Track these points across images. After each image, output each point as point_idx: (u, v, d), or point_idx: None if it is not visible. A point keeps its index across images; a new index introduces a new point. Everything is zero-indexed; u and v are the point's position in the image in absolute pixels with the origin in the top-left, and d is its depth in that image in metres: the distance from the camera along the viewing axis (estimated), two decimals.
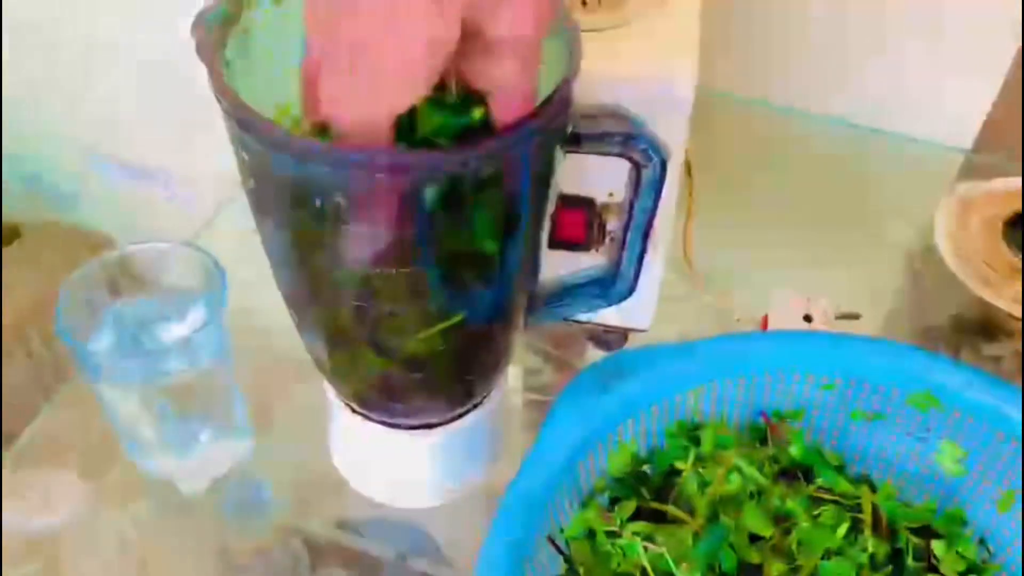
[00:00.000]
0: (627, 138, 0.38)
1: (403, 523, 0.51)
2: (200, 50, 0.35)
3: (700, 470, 0.45)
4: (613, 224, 0.53)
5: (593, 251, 0.53)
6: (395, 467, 0.49)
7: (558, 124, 0.35)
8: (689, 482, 0.44)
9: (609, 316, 0.56)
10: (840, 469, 0.47)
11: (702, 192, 0.65)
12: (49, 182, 1.19)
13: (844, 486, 0.46)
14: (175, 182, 1.13)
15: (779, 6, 0.73)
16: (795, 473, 0.47)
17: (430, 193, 0.32)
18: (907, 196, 0.72)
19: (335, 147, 0.31)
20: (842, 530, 0.43)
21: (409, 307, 0.37)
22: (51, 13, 0.99)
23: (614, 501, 0.45)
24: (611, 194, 0.51)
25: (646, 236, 0.42)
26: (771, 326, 0.60)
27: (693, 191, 0.66)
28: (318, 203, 0.33)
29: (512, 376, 0.58)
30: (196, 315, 0.47)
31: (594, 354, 0.61)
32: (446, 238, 0.35)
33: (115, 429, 0.50)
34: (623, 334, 0.58)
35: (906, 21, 0.71)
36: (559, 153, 0.37)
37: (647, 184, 0.39)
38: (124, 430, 0.49)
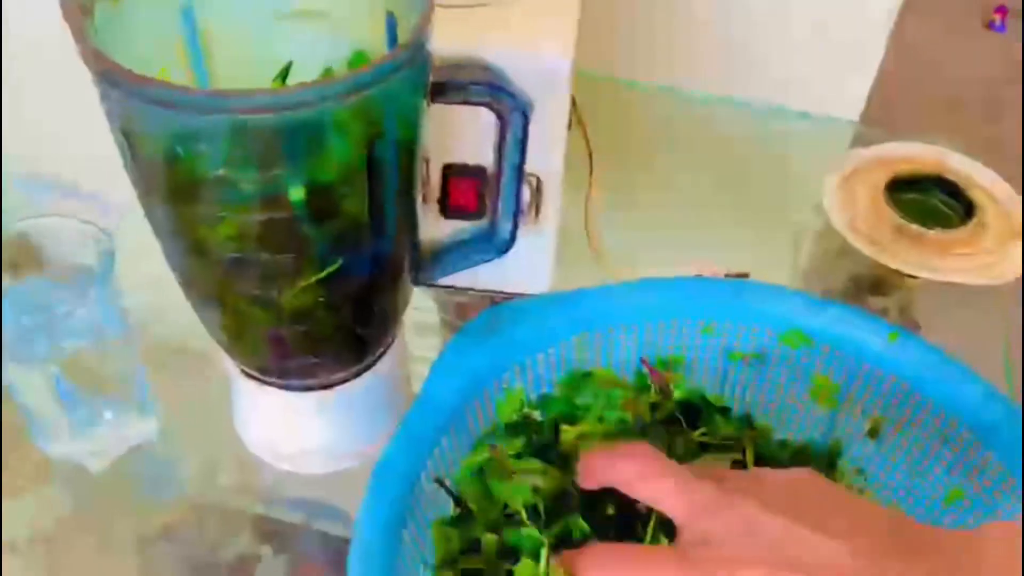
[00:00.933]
0: (492, 88, 0.40)
1: (309, 490, 0.52)
2: (66, 17, 0.36)
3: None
4: None
5: (486, 219, 0.55)
6: (295, 432, 0.50)
7: (417, 67, 0.37)
8: (568, 432, 0.46)
9: (508, 283, 0.58)
10: (724, 412, 0.50)
11: (605, 173, 0.68)
12: None
13: (727, 428, 0.49)
14: (100, 202, 1.13)
15: None
16: (678, 419, 0.49)
17: (294, 132, 0.34)
18: (800, 169, 0.75)
19: (197, 90, 0.33)
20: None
21: (286, 255, 0.39)
22: None
23: None
24: None
25: (517, 186, 0.44)
26: None
27: (593, 169, 0.68)
28: (183, 150, 0.34)
29: (420, 345, 0.60)
30: (91, 290, 0.48)
31: None
32: (312, 180, 0.36)
33: (21, 412, 0.50)
34: None
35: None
36: (423, 102, 0.39)
37: (512, 134, 0.41)
38: (30, 411, 0.50)
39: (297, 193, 0.36)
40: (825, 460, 0.48)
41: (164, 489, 0.53)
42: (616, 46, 0.77)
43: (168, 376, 0.55)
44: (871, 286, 0.68)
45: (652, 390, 0.49)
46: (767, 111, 0.78)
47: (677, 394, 0.49)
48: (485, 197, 0.55)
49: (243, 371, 0.48)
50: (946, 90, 0.83)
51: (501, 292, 0.58)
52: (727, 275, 0.60)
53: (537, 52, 0.49)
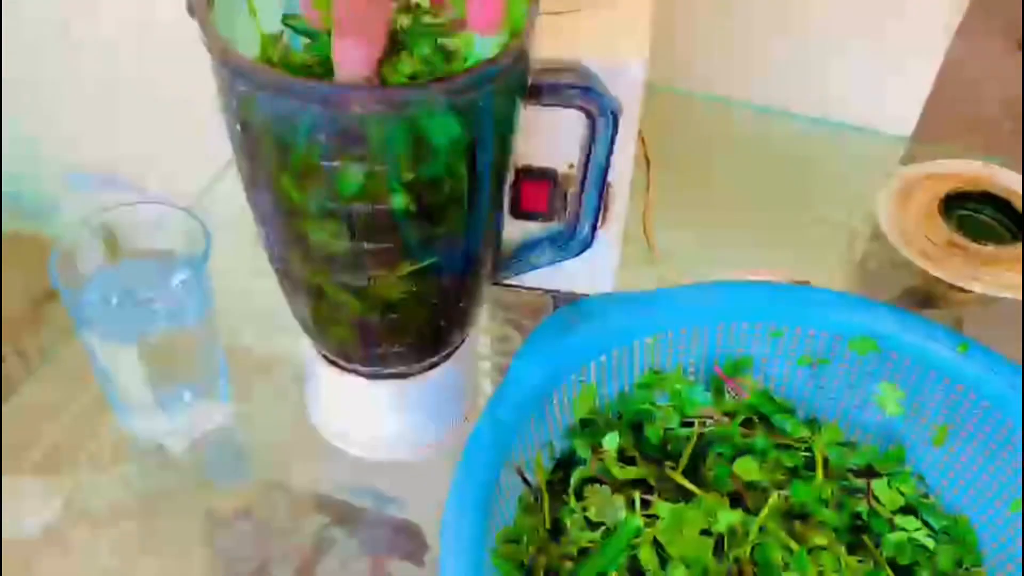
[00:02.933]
0: (584, 91, 0.42)
1: (379, 477, 0.53)
2: (191, 8, 0.38)
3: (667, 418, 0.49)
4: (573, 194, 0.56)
5: (556, 221, 0.57)
6: (370, 419, 0.52)
7: (517, 70, 0.38)
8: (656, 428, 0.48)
9: (574, 284, 0.59)
10: (791, 413, 0.51)
11: (660, 180, 0.70)
12: (27, 195, 1.21)
13: (797, 430, 0.50)
14: (151, 194, 1.15)
15: (723, 3, 0.78)
16: (752, 420, 0.50)
17: (403, 129, 0.36)
18: (852, 183, 0.76)
19: (311, 82, 0.34)
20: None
21: (384, 247, 0.40)
22: (26, 28, 1.02)
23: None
24: (571, 165, 0.55)
25: (601, 187, 0.45)
26: None
27: (651, 176, 0.70)
28: (299, 140, 0.36)
29: (483, 343, 0.62)
30: (181, 276, 0.50)
31: None
32: (417, 176, 0.38)
33: (104, 390, 0.52)
34: None
35: (847, 16, 0.75)
36: (520, 104, 0.40)
37: (601, 136, 0.43)
38: (114, 390, 0.51)
39: (401, 188, 0.38)
40: (889, 465, 0.49)
41: (239, 471, 0.54)
42: (673, 55, 0.79)
43: (245, 360, 0.57)
44: (923, 299, 0.69)
45: (726, 393, 0.50)
46: (821, 124, 0.79)
47: (748, 397, 0.50)
48: (555, 199, 0.56)
49: (324, 356, 0.50)
50: (987, 108, 0.84)
51: (568, 292, 0.60)
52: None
53: (616, 57, 0.51)
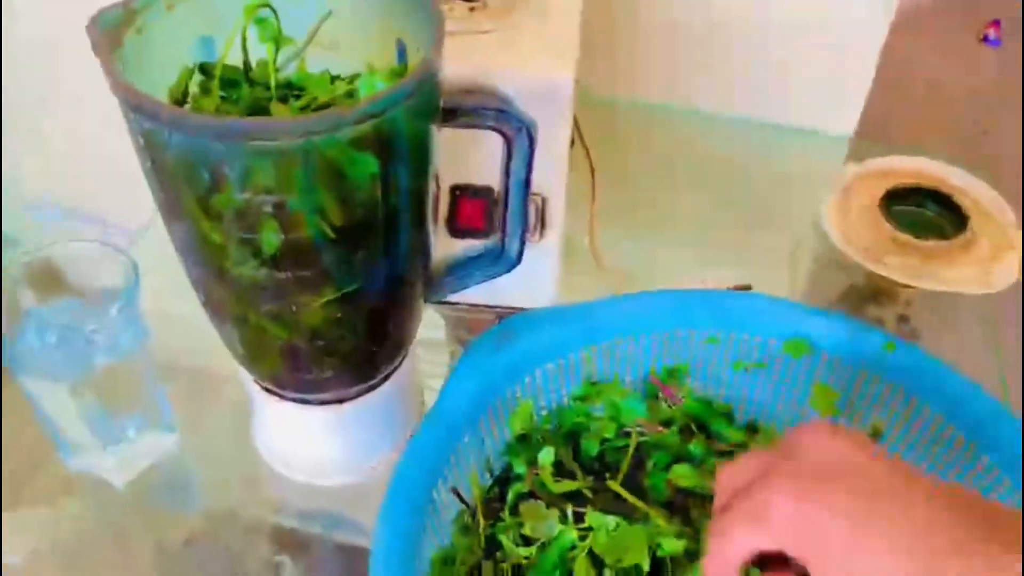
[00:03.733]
0: (499, 112, 0.42)
1: (326, 501, 0.54)
2: (95, 48, 0.38)
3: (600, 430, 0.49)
4: None
5: (494, 238, 0.57)
6: (311, 444, 0.52)
7: (426, 93, 0.39)
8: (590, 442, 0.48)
9: (515, 299, 0.59)
10: (729, 419, 0.51)
11: (605, 191, 0.70)
12: None
13: (733, 435, 0.50)
14: (112, 226, 1.15)
15: (660, 12, 0.78)
16: (690, 427, 0.51)
17: (311, 158, 0.36)
18: (796, 184, 0.77)
19: (217, 118, 0.35)
20: None
21: (304, 274, 0.40)
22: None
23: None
24: None
25: (524, 204, 0.46)
26: None
27: (595, 186, 0.70)
28: (206, 175, 0.36)
29: (430, 361, 0.62)
30: (115, 309, 0.50)
31: None
32: (329, 203, 0.38)
33: (45, 430, 0.52)
34: None
35: (784, 18, 0.76)
36: (433, 126, 0.41)
37: (519, 155, 0.43)
38: (54, 427, 0.51)
39: (314, 216, 0.38)
40: None
41: (185, 502, 0.54)
42: (614, 65, 0.80)
43: (188, 392, 0.57)
44: (868, 297, 0.69)
45: (661, 401, 0.50)
46: (764, 128, 0.80)
47: (685, 404, 0.50)
48: (493, 216, 0.57)
49: (260, 385, 0.50)
50: (938, 104, 0.85)
51: (508, 307, 0.60)
52: (730, 288, 0.62)
53: (540, 73, 0.51)
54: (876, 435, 0.49)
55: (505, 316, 0.64)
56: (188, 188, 0.38)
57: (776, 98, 0.79)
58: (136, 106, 0.35)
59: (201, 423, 0.56)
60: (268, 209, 0.37)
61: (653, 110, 0.82)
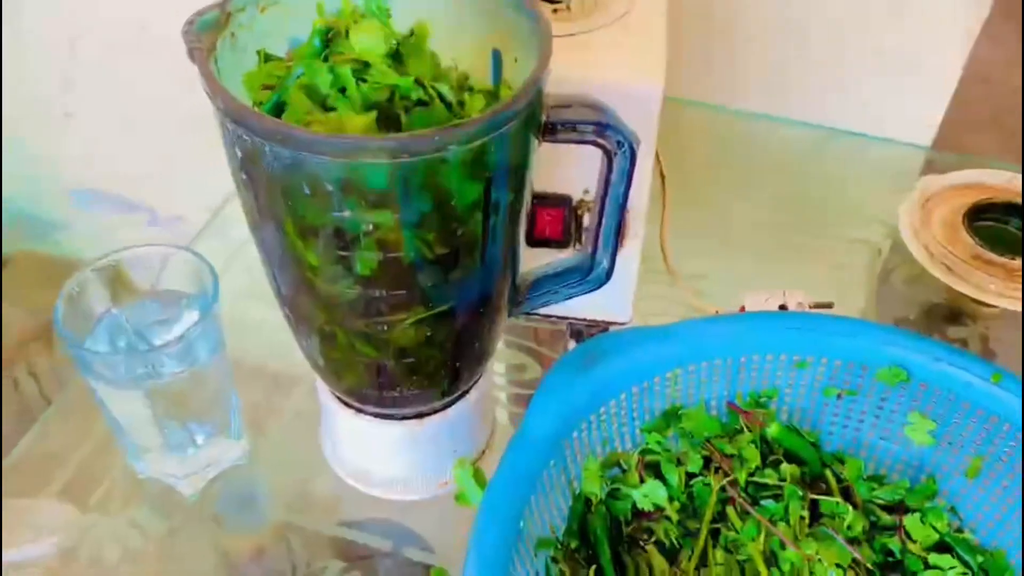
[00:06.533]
0: (600, 126, 0.40)
1: (396, 516, 0.52)
2: (192, 54, 0.37)
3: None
4: (589, 221, 0.55)
5: (571, 248, 0.55)
6: (386, 459, 0.50)
7: (531, 111, 0.37)
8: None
9: (590, 310, 0.58)
10: (816, 447, 0.49)
11: (675, 196, 0.68)
12: (33, 215, 1.21)
13: (817, 464, 0.48)
14: (159, 213, 1.15)
15: (730, 14, 0.76)
16: (775, 457, 0.49)
17: (414, 178, 0.34)
18: (872, 194, 0.75)
19: (323, 135, 0.33)
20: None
21: (399, 293, 0.39)
22: (32, 48, 1.01)
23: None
24: (586, 191, 0.54)
25: (620, 222, 0.44)
26: None
27: (666, 192, 0.68)
28: (307, 190, 0.35)
29: (498, 372, 0.60)
30: (190, 317, 0.49)
31: None
32: (430, 223, 0.36)
33: (115, 434, 0.51)
34: (604, 328, 0.60)
35: (865, 25, 0.74)
36: (534, 142, 0.39)
37: (619, 170, 0.41)
38: (124, 434, 0.50)
39: (414, 235, 0.37)
40: (921, 500, 0.48)
41: (253, 512, 0.53)
42: (686, 69, 0.77)
43: (258, 401, 0.56)
44: (948, 315, 0.67)
45: (744, 427, 0.49)
46: (837, 135, 0.78)
47: (770, 430, 0.48)
48: (570, 226, 0.55)
49: (338, 398, 0.48)
50: (1015, 116, 0.82)
51: (584, 320, 0.58)
52: (812, 306, 0.60)
53: (628, 82, 0.49)
54: (973, 472, 0.47)
55: (578, 327, 0.62)
56: (285, 203, 0.36)
57: (852, 105, 0.77)
58: (239, 119, 0.34)
59: (270, 431, 0.55)
60: (368, 228, 0.36)
61: (724, 114, 0.80)
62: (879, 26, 0.74)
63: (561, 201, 0.54)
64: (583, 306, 0.57)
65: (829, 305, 0.61)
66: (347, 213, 0.35)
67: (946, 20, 0.72)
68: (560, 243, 0.55)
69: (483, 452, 0.54)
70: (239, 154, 0.36)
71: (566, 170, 0.52)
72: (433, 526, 0.52)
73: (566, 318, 0.59)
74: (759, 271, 0.67)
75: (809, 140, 0.78)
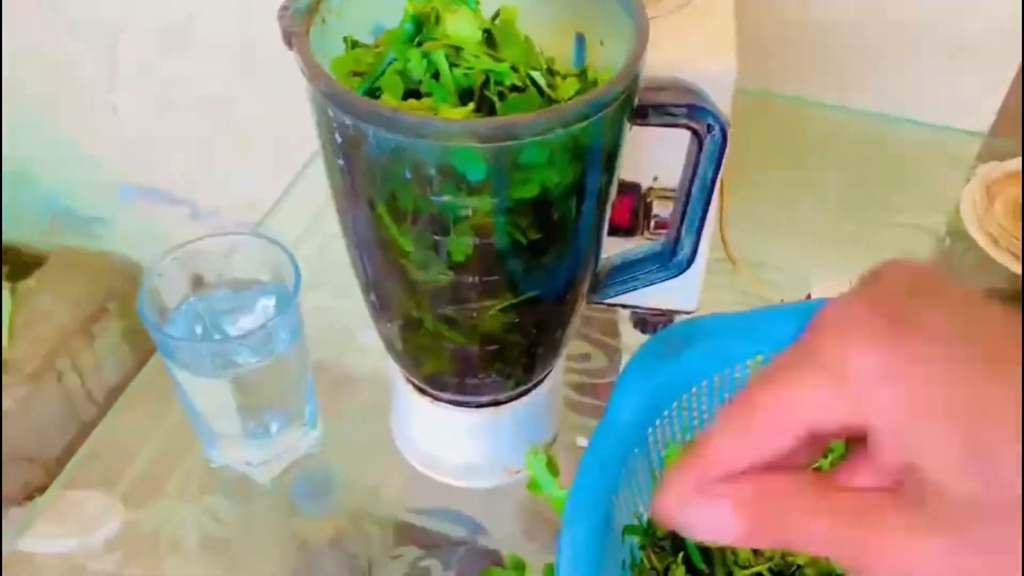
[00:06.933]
0: (692, 108, 0.40)
1: (466, 503, 0.52)
2: (288, 39, 0.37)
3: None
4: (658, 209, 0.54)
5: (638, 236, 0.55)
6: (462, 446, 0.50)
7: (628, 94, 0.37)
8: None
9: (655, 299, 0.57)
10: None
11: (733, 183, 0.68)
12: (74, 210, 1.21)
13: None
14: (200, 208, 1.15)
15: (801, 6, 0.75)
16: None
17: (513, 163, 0.34)
18: (933, 182, 0.74)
19: (434, 118, 0.33)
20: None
21: (489, 279, 0.39)
22: (74, 42, 1.01)
23: None
24: (655, 178, 0.53)
25: (706, 207, 0.44)
26: None
27: (726, 180, 0.68)
28: (408, 175, 0.35)
29: (562, 361, 0.60)
30: (267, 306, 0.49)
31: (640, 339, 0.62)
32: (525, 208, 0.36)
33: (192, 422, 0.51)
34: (669, 317, 0.60)
35: (924, 12, 0.73)
36: (627, 125, 0.39)
37: (708, 153, 0.41)
38: (202, 422, 0.50)
39: (509, 221, 0.36)
40: None
41: (327, 500, 0.53)
42: (747, 56, 0.77)
43: (332, 389, 0.56)
44: (1011, 299, 0.67)
45: None
46: (895, 122, 0.77)
47: None
48: (637, 214, 0.55)
49: (415, 385, 0.48)
50: None
51: (649, 309, 0.58)
52: None
53: (701, 66, 0.49)
54: None
55: (642, 315, 0.62)
56: (383, 188, 0.36)
57: (910, 93, 0.76)
58: (343, 104, 0.34)
59: (341, 420, 0.55)
60: (465, 213, 0.36)
61: (782, 100, 0.79)
62: (938, 13, 0.73)
63: (631, 188, 0.54)
64: (650, 295, 0.57)
65: None
66: (446, 198, 0.35)
67: (1005, 5, 0.71)
68: (627, 231, 0.55)
69: (553, 440, 0.54)
70: (339, 139, 0.36)
71: (636, 158, 0.52)
72: (507, 514, 0.52)
73: (631, 306, 0.59)
74: (821, 259, 0.67)
75: (867, 128, 0.77)
